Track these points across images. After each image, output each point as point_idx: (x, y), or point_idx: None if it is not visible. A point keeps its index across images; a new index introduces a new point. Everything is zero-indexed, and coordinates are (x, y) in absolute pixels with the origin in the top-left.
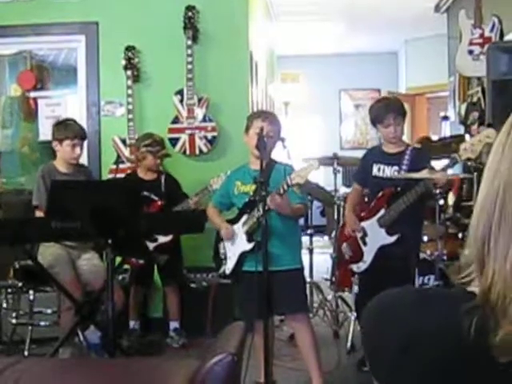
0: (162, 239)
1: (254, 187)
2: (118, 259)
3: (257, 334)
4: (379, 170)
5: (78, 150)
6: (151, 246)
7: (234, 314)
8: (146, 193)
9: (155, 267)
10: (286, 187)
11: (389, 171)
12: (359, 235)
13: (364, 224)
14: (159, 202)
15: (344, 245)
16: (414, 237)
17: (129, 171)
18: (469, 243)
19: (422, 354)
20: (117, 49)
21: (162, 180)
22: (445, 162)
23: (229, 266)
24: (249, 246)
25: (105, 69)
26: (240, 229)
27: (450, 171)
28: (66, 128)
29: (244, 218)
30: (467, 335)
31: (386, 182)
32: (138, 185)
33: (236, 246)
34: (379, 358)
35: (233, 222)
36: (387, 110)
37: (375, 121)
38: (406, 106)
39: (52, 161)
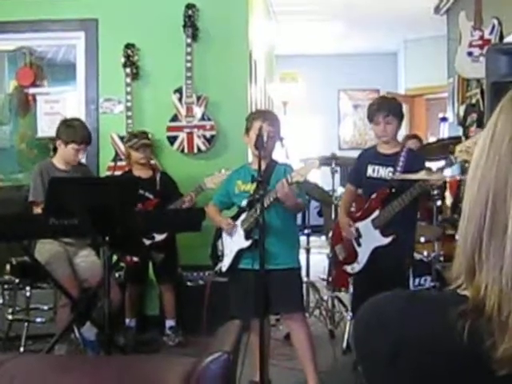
0: (157, 237)
1: (254, 186)
2: (116, 256)
3: (253, 333)
4: (374, 170)
5: (80, 154)
6: (146, 243)
7: (230, 313)
8: (140, 191)
9: (150, 265)
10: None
11: (383, 172)
12: (353, 237)
13: (358, 225)
14: (154, 201)
15: (338, 246)
16: (408, 238)
17: (126, 169)
18: (458, 254)
19: (413, 359)
20: (116, 46)
21: (157, 178)
22: (442, 163)
23: (225, 263)
24: (246, 244)
25: (104, 66)
26: (238, 226)
27: (447, 172)
28: (74, 131)
29: (243, 215)
30: (459, 340)
31: (381, 182)
32: (136, 181)
33: (233, 243)
34: (371, 364)
35: (232, 219)
36: (378, 108)
37: (368, 118)
38: (405, 107)
39: (50, 158)
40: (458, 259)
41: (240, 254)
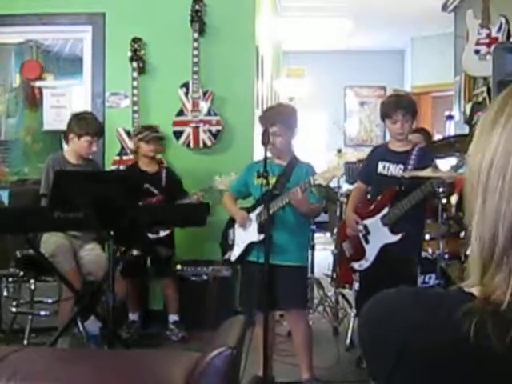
0: (162, 233)
1: (273, 180)
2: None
3: (258, 327)
4: (384, 167)
5: (94, 147)
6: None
7: (235, 308)
8: (146, 185)
9: (147, 260)
10: (307, 186)
11: (394, 169)
12: (361, 234)
13: (367, 222)
14: (159, 197)
15: (345, 243)
16: (416, 236)
17: (131, 162)
18: (472, 252)
19: (418, 355)
20: (123, 40)
21: (163, 174)
22: (449, 160)
23: (235, 253)
24: (259, 238)
25: (111, 60)
26: (253, 219)
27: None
28: (87, 123)
29: (259, 209)
30: (466, 337)
31: (391, 180)
32: (140, 176)
33: (246, 235)
34: (376, 361)
35: (247, 211)
36: (397, 105)
37: (384, 116)
38: None
39: (61, 151)
40: (474, 259)
41: (251, 246)
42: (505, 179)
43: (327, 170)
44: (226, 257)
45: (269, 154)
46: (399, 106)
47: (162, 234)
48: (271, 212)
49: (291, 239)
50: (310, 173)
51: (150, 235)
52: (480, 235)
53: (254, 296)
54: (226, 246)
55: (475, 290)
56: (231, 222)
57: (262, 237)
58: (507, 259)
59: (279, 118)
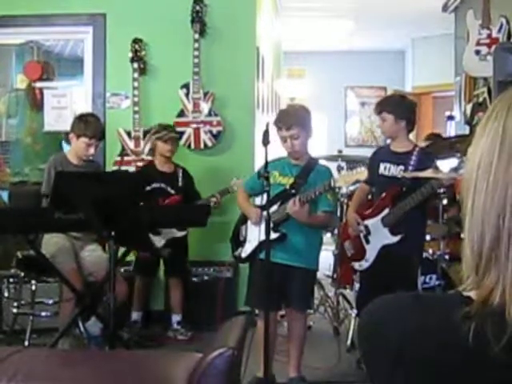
0: (179, 233)
1: (291, 180)
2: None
3: (260, 324)
4: (385, 168)
5: (91, 149)
6: (163, 240)
7: (237, 308)
8: (162, 185)
9: (161, 259)
10: (322, 190)
11: (395, 170)
12: (362, 234)
13: (367, 222)
14: (177, 197)
15: (346, 242)
16: (417, 237)
17: (143, 162)
18: (466, 256)
19: (417, 359)
20: (124, 41)
21: (180, 174)
22: (450, 161)
23: (246, 250)
24: (273, 236)
25: (111, 61)
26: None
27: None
28: (86, 125)
29: (275, 207)
30: (465, 339)
31: (392, 180)
32: (149, 176)
33: (259, 232)
34: (376, 364)
35: (262, 208)
36: (375, 106)
37: None
38: None
39: (62, 151)
40: (467, 261)
41: (263, 244)
42: (489, 179)
43: (350, 173)
44: (237, 253)
45: (285, 154)
46: (376, 106)
47: (180, 234)
48: (287, 211)
49: (305, 241)
50: (326, 177)
51: (160, 237)
52: (470, 236)
53: (264, 294)
54: (238, 243)
55: (473, 294)
56: (244, 218)
57: (276, 235)
58: (495, 259)
59: (296, 120)
